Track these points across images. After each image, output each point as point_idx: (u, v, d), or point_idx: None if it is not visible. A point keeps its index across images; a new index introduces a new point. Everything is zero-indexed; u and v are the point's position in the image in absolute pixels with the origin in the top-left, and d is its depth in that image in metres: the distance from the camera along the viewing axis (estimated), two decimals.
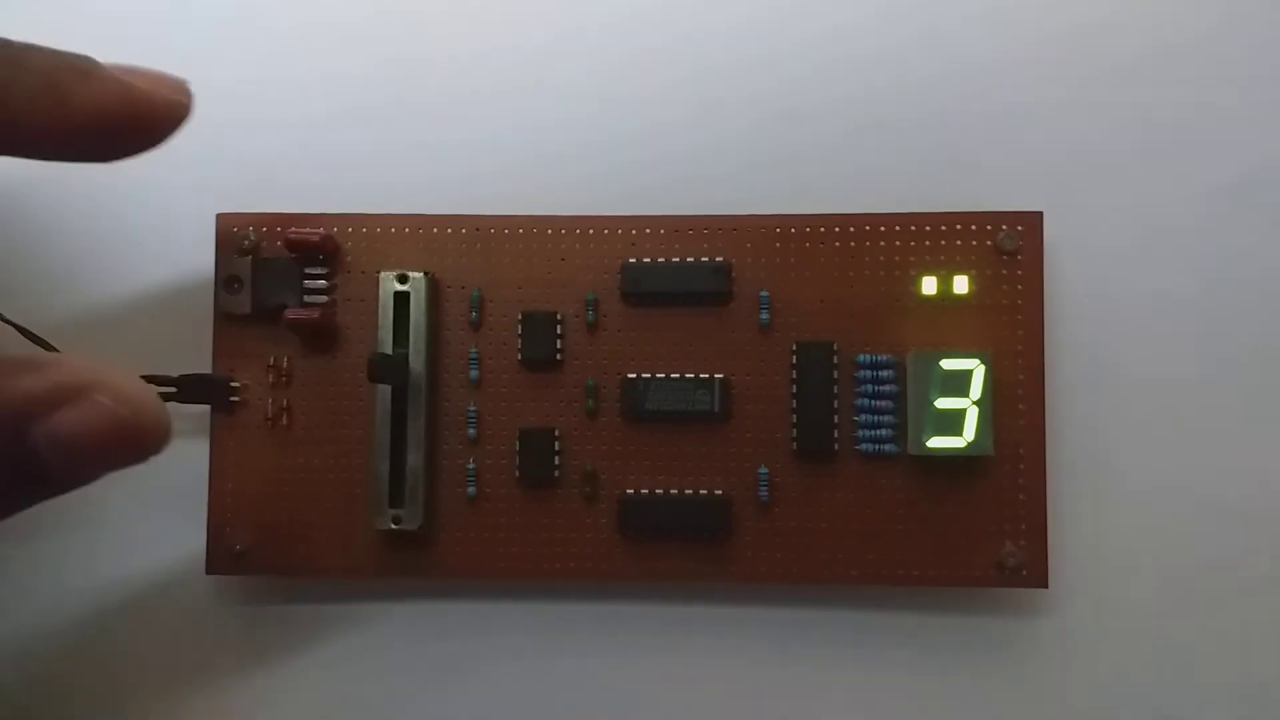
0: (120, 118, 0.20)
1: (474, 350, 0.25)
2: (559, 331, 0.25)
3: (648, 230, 0.25)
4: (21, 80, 0.18)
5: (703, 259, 0.25)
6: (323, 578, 0.26)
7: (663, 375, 0.25)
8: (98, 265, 0.26)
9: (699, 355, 0.25)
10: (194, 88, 0.21)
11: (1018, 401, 0.25)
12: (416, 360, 0.25)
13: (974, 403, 0.24)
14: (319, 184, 0.27)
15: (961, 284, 0.25)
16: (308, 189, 0.26)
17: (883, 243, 0.25)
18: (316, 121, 0.27)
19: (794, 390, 0.25)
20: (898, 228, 0.25)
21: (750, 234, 0.25)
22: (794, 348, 0.25)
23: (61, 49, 0.19)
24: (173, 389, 0.25)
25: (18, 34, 0.19)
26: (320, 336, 0.25)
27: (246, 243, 0.25)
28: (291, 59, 0.27)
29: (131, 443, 0.17)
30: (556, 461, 0.25)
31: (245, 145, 0.27)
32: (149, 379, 0.24)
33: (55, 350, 0.22)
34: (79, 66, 0.19)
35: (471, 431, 0.25)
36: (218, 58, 0.27)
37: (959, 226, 0.25)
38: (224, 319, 0.25)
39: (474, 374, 0.25)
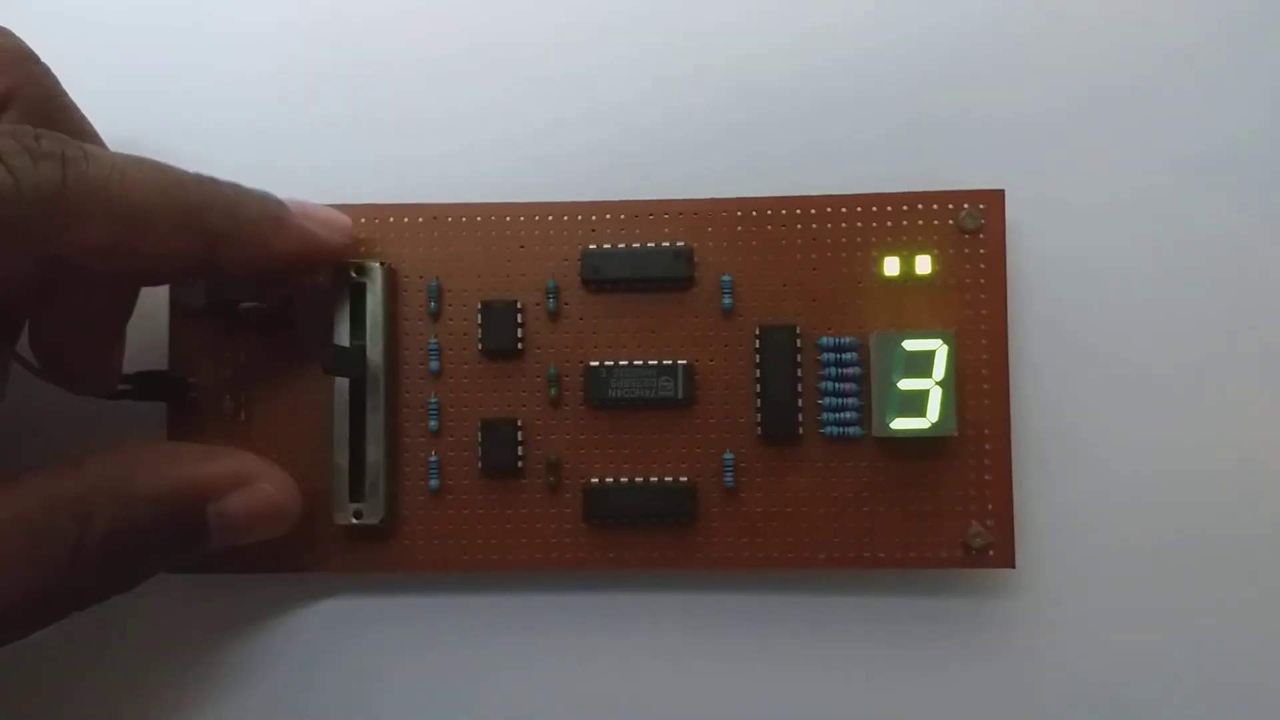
0: (300, 262, 0.23)
1: (433, 341, 0.25)
2: (520, 320, 0.25)
3: (608, 216, 0.25)
4: (236, 234, 0.21)
5: (664, 244, 0.25)
6: (284, 574, 0.25)
7: (625, 362, 0.25)
8: None
9: (662, 341, 0.25)
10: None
11: (982, 381, 0.25)
12: (375, 352, 0.24)
13: (937, 383, 0.24)
14: (274, 175, 0.26)
15: (924, 264, 0.25)
16: (263, 180, 0.26)
17: (844, 224, 0.25)
18: (272, 112, 0.26)
19: (758, 375, 0.25)
20: (859, 209, 0.25)
21: (711, 217, 0.25)
22: (757, 331, 0.25)
23: (257, 192, 0.22)
24: (128, 386, 0.24)
25: None
26: (276, 330, 0.25)
27: None
28: (247, 51, 0.27)
29: (281, 522, 0.23)
30: (520, 452, 0.25)
31: (201, 137, 0.26)
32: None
33: (36, 368, 0.23)
34: (276, 215, 0.22)
35: (433, 423, 0.25)
36: (175, 50, 0.26)
37: (920, 206, 0.25)
38: (179, 314, 0.25)
39: (434, 365, 0.25)
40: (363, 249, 0.25)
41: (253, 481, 0.22)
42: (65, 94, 0.22)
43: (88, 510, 0.20)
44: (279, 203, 0.23)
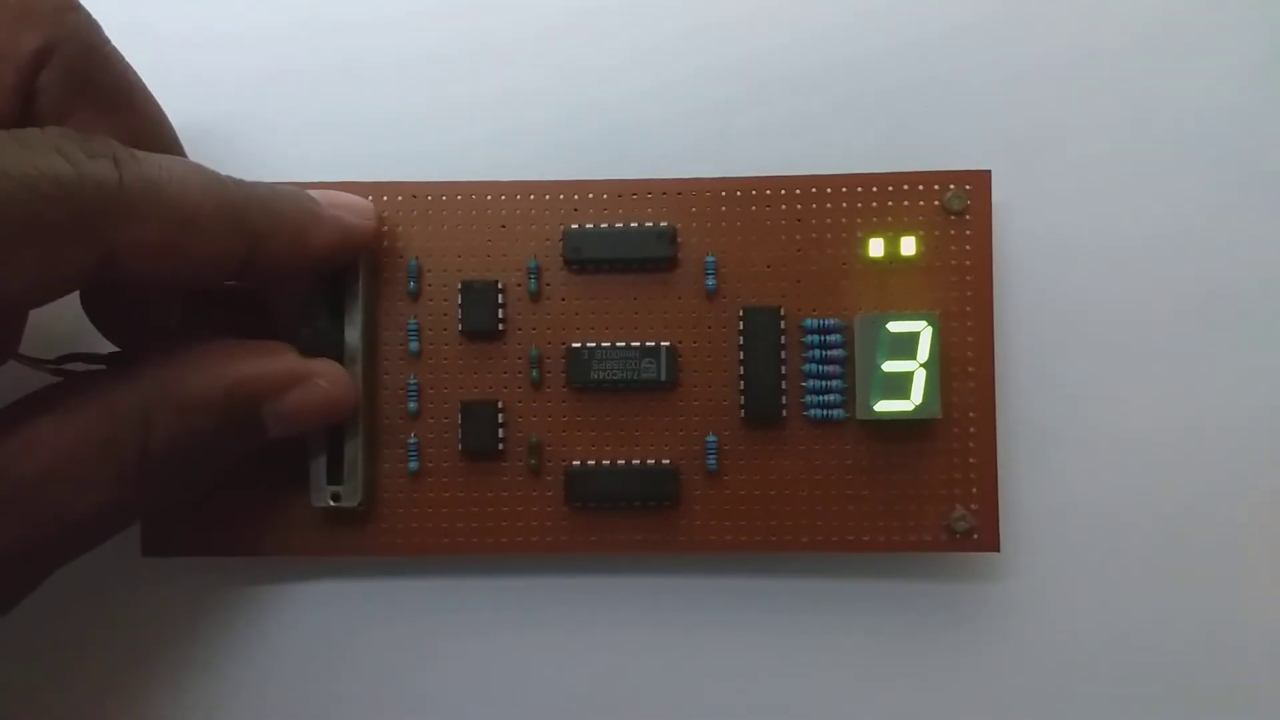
0: (337, 253, 0.23)
1: (413, 321, 0.25)
2: (500, 300, 0.25)
3: (590, 195, 0.25)
4: (277, 232, 0.21)
5: (647, 224, 0.25)
6: (261, 558, 0.25)
7: (608, 344, 0.25)
8: None
9: (645, 323, 0.25)
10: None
11: (967, 364, 0.24)
12: (353, 333, 0.24)
13: (921, 365, 0.24)
14: (250, 150, 0.26)
15: (909, 245, 0.24)
16: (239, 155, 0.25)
17: (829, 205, 0.25)
18: (250, 86, 0.26)
19: (741, 357, 0.24)
20: (844, 189, 0.25)
21: (695, 197, 0.25)
22: (741, 313, 0.24)
23: (288, 188, 0.22)
24: (102, 368, 0.24)
25: None
26: (251, 310, 0.24)
27: None
28: (227, 22, 0.26)
29: (336, 415, 0.23)
30: (500, 434, 0.25)
31: (176, 108, 0.26)
32: (75, 357, 0.23)
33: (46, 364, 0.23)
34: (311, 210, 0.22)
35: (412, 405, 0.25)
36: (155, 17, 0.26)
37: (906, 187, 0.25)
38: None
39: (413, 346, 0.25)
40: (385, 240, 0.25)
41: (308, 378, 0.22)
42: (108, 45, 0.21)
43: (148, 419, 0.20)
44: (310, 197, 0.22)
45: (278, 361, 0.22)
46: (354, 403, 0.23)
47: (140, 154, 0.19)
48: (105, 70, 0.21)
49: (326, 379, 0.23)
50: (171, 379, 0.21)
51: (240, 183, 0.21)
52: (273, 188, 0.22)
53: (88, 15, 0.21)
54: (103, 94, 0.20)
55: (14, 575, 0.20)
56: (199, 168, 0.20)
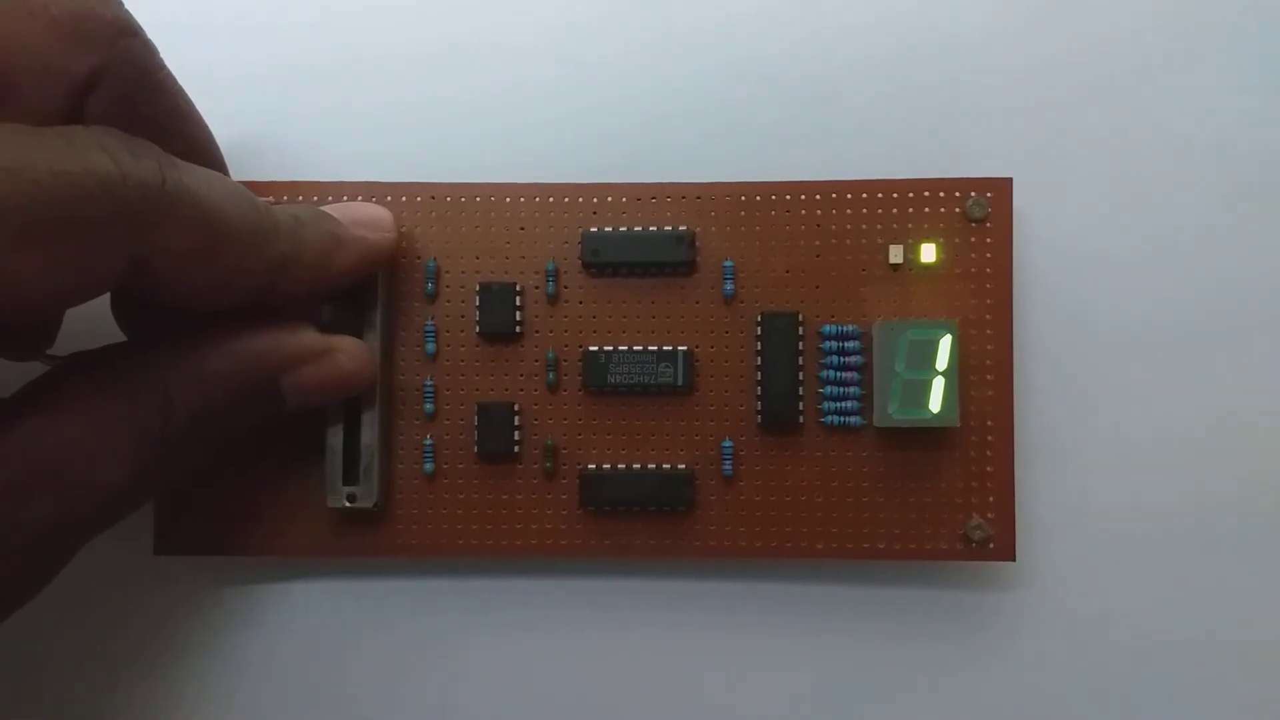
0: (358, 274, 0.23)
1: (430, 322, 0.25)
2: (518, 303, 0.25)
3: (609, 198, 0.25)
4: (303, 258, 0.21)
5: (665, 228, 0.25)
6: (276, 558, 0.25)
7: (625, 347, 0.24)
8: None
9: (662, 327, 0.25)
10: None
11: (985, 372, 0.24)
12: (370, 334, 0.24)
13: (941, 373, 0.24)
14: (270, 150, 0.26)
15: (929, 252, 0.24)
16: (259, 155, 0.25)
17: (849, 211, 0.25)
18: (269, 86, 0.26)
19: (759, 362, 0.24)
20: (864, 195, 0.24)
21: (714, 202, 0.25)
22: (759, 319, 0.24)
23: (310, 211, 0.22)
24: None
25: None
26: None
27: None
28: (245, 23, 0.26)
29: (354, 388, 0.23)
30: (516, 436, 0.24)
31: (199, 108, 0.26)
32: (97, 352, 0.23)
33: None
34: (334, 235, 0.22)
35: (428, 406, 0.25)
36: (169, 16, 0.26)
37: (927, 194, 0.24)
38: None
39: (430, 347, 0.25)
40: (404, 242, 0.25)
41: (326, 353, 0.22)
42: (161, 70, 0.21)
43: (169, 389, 0.20)
44: (332, 219, 0.22)
45: (297, 336, 0.22)
46: (372, 378, 0.23)
47: (181, 163, 0.19)
48: (155, 97, 0.21)
49: (345, 354, 0.23)
50: (192, 351, 0.21)
51: (271, 207, 0.21)
52: (297, 215, 0.22)
53: (144, 41, 0.20)
54: (148, 121, 0.20)
55: (48, 550, 0.20)
56: (236, 187, 0.21)
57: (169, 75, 0.21)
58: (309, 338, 0.22)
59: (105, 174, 0.17)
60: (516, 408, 0.25)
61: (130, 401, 0.20)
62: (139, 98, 0.20)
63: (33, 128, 0.18)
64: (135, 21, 0.20)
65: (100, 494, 0.19)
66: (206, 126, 0.22)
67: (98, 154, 0.18)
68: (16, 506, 0.18)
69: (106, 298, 0.22)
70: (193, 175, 0.19)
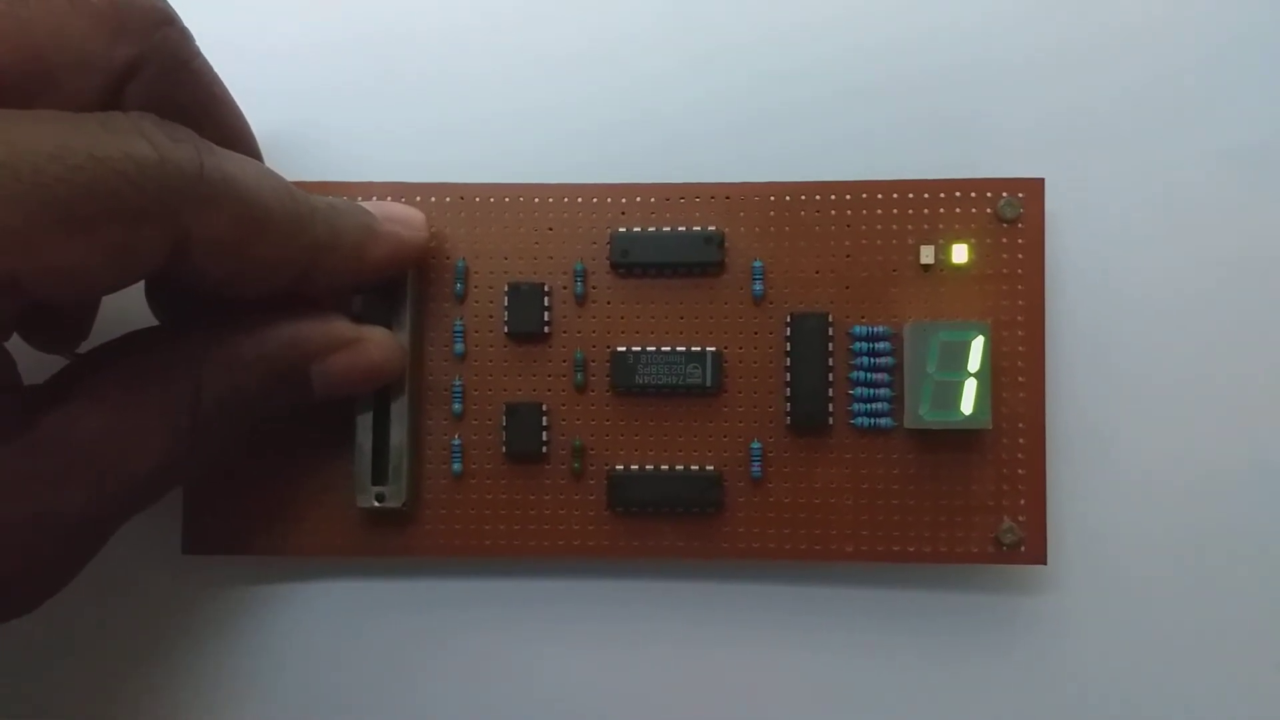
0: (391, 268, 0.23)
1: (459, 322, 0.25)
2: (546, 303, 0.24)
3: (638, 199, 0.25)
4: (338, 246, 0.21)
5: (694, 228, 0.24)
6: (304, 557, 0.25)
7: (653, 348, 0.24)
8: None
9: (690, 327, 0.25)
10: None
11: (1017, 374, 0.24)
12: (399, 332, 0.24)
13: (973, 375, 0.23)
14: (301, 152, 0.26)
15: (960, 253, 0.24)
16: (291, 157, 0.25)
17: (880, 211, 0.24)
18: (301, 90, 0.26)
19: (788, 363, 0.24)
20: (895, 195, 0.24)
21: (743, 202, 0.25)
22: (788, 319, 0.24)
23: (346, 203, 0.22)
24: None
25: None
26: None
27: None
28: (277, 27, 0.26)
29: (383, 379, 0.23)
30: (544, 436, 0.24)
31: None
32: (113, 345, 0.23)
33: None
34: (369, 226, 0.22)
35: (456, 406, 0.25)
36: (202, 20, 0.26)
37: (958, 194, 0.24)
38: None
39: (459, 347, 0.25)
40: (433, 243, 0.24)
41: (356, 342, 0.22)
42: (198, 59, 0.21)
43: (200, 375, 0.20)
44: (367, 212, 0.22)
45: (328, 323, 0.22)
46: (402, 370, 0.23)
47: (219, 149, 0.19)
48: (191, 85, 0.21)
49: (375, 344, 0.23)
50: (226, 337, 0.21)
51: (308, 196, 0.21)
52: (333, 204, 0.22)
53: (182, 29, 0.21)
54: (185, 109, 0.20)
55: (81, 537, 0.20)
56: (272, 174, 0.21)
57: (205, 63, 0.21)
58: (340, 326, 0.22)
59: (144, 158, 0.18)
60: (544, 408, 0.24)
61: (162, 389, 0.20)
62: (176, 85, 0.20)
63: (72, 114, 0.18)
64: (172, 9, 0.20)
65: (132, 481, 0.19)
66: (242, 114, 0.22)
67: (136, 139, 0.18)
68: (49, 494, 0.18)
69: (138, 288, 0.22)
70: (230, 161, 0.19)
